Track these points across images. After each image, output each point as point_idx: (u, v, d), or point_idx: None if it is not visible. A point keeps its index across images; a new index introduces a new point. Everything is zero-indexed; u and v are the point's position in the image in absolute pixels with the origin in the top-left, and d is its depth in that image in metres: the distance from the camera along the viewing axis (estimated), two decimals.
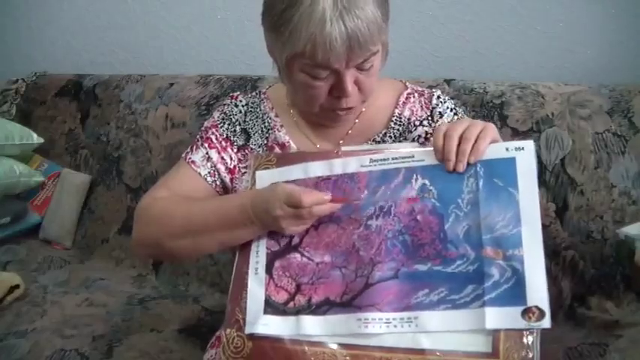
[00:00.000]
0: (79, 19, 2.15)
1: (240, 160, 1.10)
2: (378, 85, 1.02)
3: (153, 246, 1.03)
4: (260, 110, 1.13)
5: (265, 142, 1.10)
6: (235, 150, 1.10)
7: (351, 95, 0.95)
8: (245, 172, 1.08)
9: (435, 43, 1.69)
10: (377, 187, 0.91)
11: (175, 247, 1.01)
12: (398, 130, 1.08)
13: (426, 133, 1.07)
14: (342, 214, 0.91)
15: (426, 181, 0.89)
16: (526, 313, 0.78)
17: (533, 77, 1.52)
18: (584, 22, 1.55)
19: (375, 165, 0.92)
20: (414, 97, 1.11)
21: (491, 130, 0.89)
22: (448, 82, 1.52)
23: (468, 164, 0.87)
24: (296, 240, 0.93)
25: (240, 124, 1.12)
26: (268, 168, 0.98)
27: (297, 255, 0.92)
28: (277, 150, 1.09)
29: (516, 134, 1.39)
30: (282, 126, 1.10)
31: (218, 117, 1.13)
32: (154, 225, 1.02)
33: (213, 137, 1.11)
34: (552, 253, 1.34)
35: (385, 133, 1.08)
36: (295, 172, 0.96)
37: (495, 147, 0.88)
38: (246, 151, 1.10)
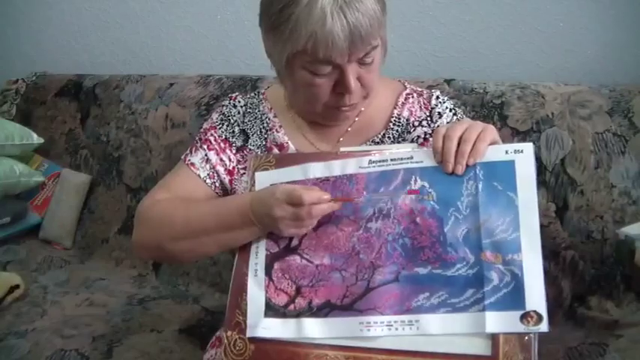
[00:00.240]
0: (79, 19, 2.15)
1: (239, 162, 1.10)
2: (378, 85, 1.02)
3: (154, 248, 1.04)
4: (259, 111, 1.13)
5: (264, 142, 1.10)
6: (234, 151, 1.10)
7: (355, 91, 0.95)
8: (244, 173, 1.08)
9: (435, 43, 1.69)
10: (376, 188, 0.91)
11: (176, 250, 1.01)
12: (397, 131, 1.08)
13: (425, 133, 1.07)
14: (341, 216, 0.91)
15: (425, 183, 0.89)
16: (524, 317, 0.79)
17: (533, 77, 1.52)
18: (584, 22, 1.55)
19: (373, 166, 0.92)
20: (412, 97, 1.10)
21: (491, 131, 0.89)
22: (448, 82, 1.52)
23: (468, 166, 0.87)
24: (295, 242, 0.93)
25: (238, 125, 1.12)
26: (267, 169, 0.98)
27: (297, 257, 0.92)
28: (276, 151, 1.09)
29: (516, 134, 1.39)
30: (280, 126, 1.10)
31: (217, 118, 1.13)
32: (154, 228, 1.02)
33: (211, 139, 1.11)
34: (552, 253, 1.34)
35: (384, 134, 1.08)
36: (294, 173, 0.96)
37: (495, 149, 0.88)
38: (245, 152, 1.10)
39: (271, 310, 0.89)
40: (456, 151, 0.87)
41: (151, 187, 1.12)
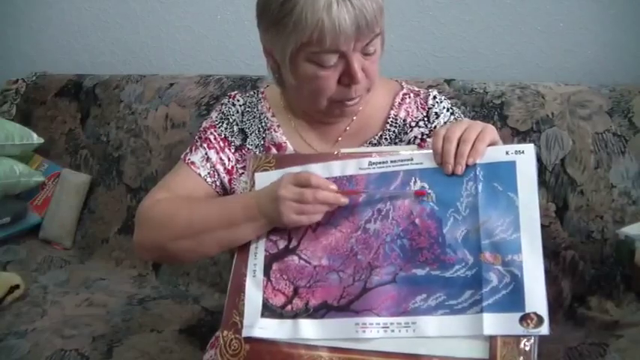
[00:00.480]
0: (79, 19, 2.15)
1: (237, 161, 1.10)
2: (377, 82, 1.02)
3: (155, 249, 1.03)
4: (257, 110, 1.13)
5: (262, 142, 1.10)
6: (233, 150, 1.10)
7: (360, 81, 0.96)
8: (242, 173, 1.08)
9: (435, 43, 1.69)
10: (375, 189, 0.91)
11: (177, 249, 1.01)
12: (394, 132, 1.08)
13: (422, 134, 1.07)
14: (339, 217, 0.91)
15: (425, 184, 0.89)
16: (524, 319, 0.77)
17: (533, 77, 1.52)
18: (584, 22, 1.55)
19: (373, 168, 0.92)
20: (409, 97, 1.10)
21: (491, 131, 0.88)
22: (448, 82, 1.52)
23: (468, 167, 0.87)
24: (294, 243, 0.93)
25: (237, 124, 1.12)
26: (267, 169, 0.98)
27: (295, 258, 0.92)
28: (274, 150, 1.09)
29: (516, 134, 1.39)
30: (279, 126, 1.10)
31: (216, 117, 1.13)
32: (155, 228, 1.02)
33: (211, 137, 1.11)
34: (552, 253, 1.34)
35: (381, 136, 1.08)
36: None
37: (495, 150, 0.87)
38: (244, 151, 1.10)
39: (268, 310, 0.89)
40: (456, 152, 0.87)
41: (151, 187, 1.11)
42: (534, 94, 1.43)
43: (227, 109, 1.14)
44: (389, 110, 1.09)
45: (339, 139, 1.09)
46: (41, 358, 1.27)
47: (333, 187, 0.90)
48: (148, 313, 1.46)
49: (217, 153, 1.09)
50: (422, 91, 1.12)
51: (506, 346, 0.77)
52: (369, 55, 0.95)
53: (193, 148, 1.11)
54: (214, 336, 1.13)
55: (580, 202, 1.35)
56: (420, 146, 1.04)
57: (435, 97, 1.10)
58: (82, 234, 1.86)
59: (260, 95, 1.15)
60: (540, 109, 1.40)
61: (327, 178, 0.92)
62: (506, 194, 0.84)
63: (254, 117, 1.12)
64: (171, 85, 1.81)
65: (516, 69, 1.62)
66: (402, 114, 1.08)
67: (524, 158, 0.86)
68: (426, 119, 1.08)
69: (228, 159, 1.10)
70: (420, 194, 0.88)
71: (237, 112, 1.13)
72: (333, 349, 0.84)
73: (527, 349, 0.76)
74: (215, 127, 1.12)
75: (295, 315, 0.88)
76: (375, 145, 1.07)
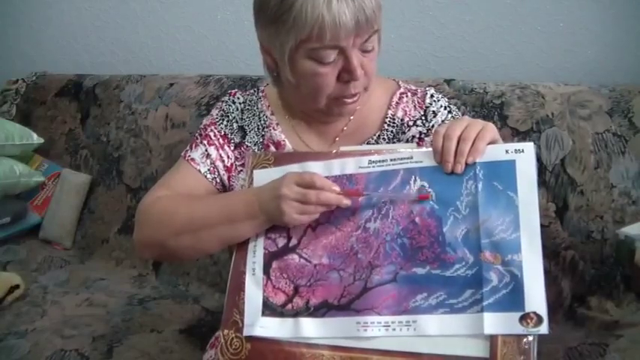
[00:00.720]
0: (79, 19, 2.15)
1: (237, 158, 1.10)
2: (374, 80, 1.03)
3: (156, 246, 1.03)
4: (257, 108, 1.13)
5: (261, 140, 1.10)
6: (232, 147, 1.10)
7: (359, 77, 0.96)
8: (241, 170, 1.08)
9: (435, 43, 1.69)
10: (375, 188, 0.91)
11: (177, 246, 1.00)
12: (391, 131, 1.08)
13: (420, 133, 1.07)
14: (340, 216, 0.91)
15: (425, 183, 0.89)
16: (524, 318, 0.78)
17: (533, 77, 1.52)
18: (584, 22, 1.55)
19: (373, 166, 0.92)
20: (407, 96, 1.10)
21: (490, 129, 0.88)
22: (448, 82, 1.52)
23: (468, 165, 0.87)
24: (294, 241, 0.93)
25: (237, 122, 1.12)
26: (266, 167, 0.98)
27: (295, 256, 0.92)
28: (272, 148, 1.09)
29: (516, 134, 1.39)
30: (277, 124, 1.11)
31: (217, 114, 1.13)
32: (155, 225, 1.01)
33: (211, 134, 1.11)
34: (552, 253, 1.34)
35: (379, 135, 1.08)
36: (293, 171, 0.95)
37: (495, 149, 0.87)
38: (243, 148, 1.10)
39: (269, 309, 0.89)
40: (455, 150, 0.87)
41: (151, 187, 1.12)
42: (534, 94, 1.43)
43: (227, 106, 1.14)
44: (386, 110, 1.09)
45: (337, 138, 1.09)
46: (41, 358, 1.27)
47: (336, 188, 0.90)
48: (148, 313, 1.46)
49: (217, 150, 1.09)
50: (419, 90, 1.12)
51: (507, 345, 0.78)
52: (368, 52, 0.96)
53: (193, 145, 1.11)
54: (214, 336, 1.13)
55: (580, 202, 1.35)
56: (418, 145, 1.04)
57: (432, 96, 1.10)
58: (82, 234, 1.86)
59: (260, 93, 1.15)
60: (540, 109, 1.40)
61: (327, 177, 0.92)
62: (505, 193, 0.84)
63: (254, 115, 1.12)
64: (171, 85, 1.81)
65: (516, 69, 1.62)
66: (400, 113, 1.08)
67: (524, 157, 0.85)
68: (423, 118, 1.08)
69: (228, 156, 1.10)
70: (423, 198, 0.88)
71: (237, 109, 1.13)
72: (335, 348, 0.84)
73: (527, 347, 0.77)
74: (215, 124, 1.12)
75: (296, 314, 0.88)
76: (373, 144, 1.07)
